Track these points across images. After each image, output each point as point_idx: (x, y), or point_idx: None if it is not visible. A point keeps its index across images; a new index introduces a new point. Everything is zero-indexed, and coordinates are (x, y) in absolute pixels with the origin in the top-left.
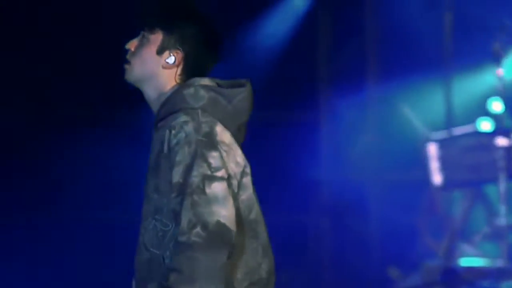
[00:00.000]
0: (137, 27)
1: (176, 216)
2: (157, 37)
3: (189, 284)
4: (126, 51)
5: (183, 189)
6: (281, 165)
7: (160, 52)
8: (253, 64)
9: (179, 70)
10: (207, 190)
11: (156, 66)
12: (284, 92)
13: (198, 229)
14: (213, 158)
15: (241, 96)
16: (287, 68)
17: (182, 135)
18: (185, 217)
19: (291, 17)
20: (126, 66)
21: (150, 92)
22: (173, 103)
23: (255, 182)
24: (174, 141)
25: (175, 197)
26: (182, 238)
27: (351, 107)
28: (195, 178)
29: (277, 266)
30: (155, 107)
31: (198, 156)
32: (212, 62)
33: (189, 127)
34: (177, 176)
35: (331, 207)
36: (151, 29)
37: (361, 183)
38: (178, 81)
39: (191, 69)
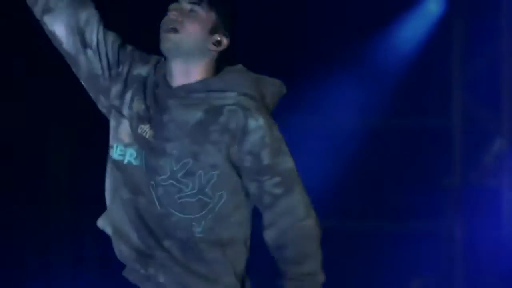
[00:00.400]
0: None
1: (274, 200)
2: (210, 17)
3: (321, 262)
4: (162, 16)
5: (283, 173)
6: (414, 171)
7: (212, 31)
8: (386, 69)
9: (217, 55)
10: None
11: (205, 44)
12: (417, 97)
13: (312, 211)
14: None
15: (275, 98)
16: (420, 73)
17: (262, 119)
18: (301, 203)
19: (426, 22)
20: (170, 35)
21: (185, 66)
22: (231, 82)
23: (389, 188)
24: (253, 124)
25: (268, 179)
26: (306, 223)
27: (485, 111)
28: (292, 164)
29: (411, 273)
30: (183, 79)
31: (283, 142)
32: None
33: (264, 113)
34: (268, 158)
35: (464, 212)
36: (209, 7)
37: (495, 187)
38: (215, 64)
39: (225, 58)
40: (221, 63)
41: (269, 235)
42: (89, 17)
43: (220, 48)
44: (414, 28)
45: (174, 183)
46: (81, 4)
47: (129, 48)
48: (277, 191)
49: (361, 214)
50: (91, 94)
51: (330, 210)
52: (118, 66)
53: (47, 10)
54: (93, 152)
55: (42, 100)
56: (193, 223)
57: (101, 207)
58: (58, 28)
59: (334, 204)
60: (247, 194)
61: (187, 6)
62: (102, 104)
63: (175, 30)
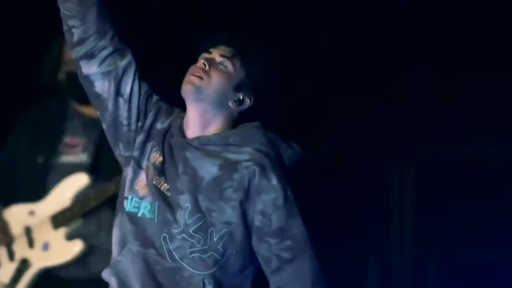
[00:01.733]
0: (217, 46)
1: (282, 264)
2: (238, 74)
3: None
4: (194, 60)
5: (294, 237)
6: None
7: (237, 89)
8: None
9: (236, 114)
10: None
11: (225, 99)
12: None
13: (322, 279)
14: None
15: (293, 161)
16: None
17: (276, 179)
18: (310, 270)
19: None
20: (194, 79)
21: (203, 116)
22: (248, 138)
23: None
24: (265, 184)
25: (279, 242)
26: None
27: None
28: (304, 228)
29: None
30: (199, 130)
31: (296, 205)
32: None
33: (278, 173)
34: (280, 221)
35: None
36: (240, 64)
37: None
38: (232, 122)
39: (246, 119)
40: (240, 122)
41: None
42: (128, 66)
43: (241, 107)
44: None
45: (186, 237)
46: (122, 52)
47: (155, 98)
48: (286, 255)
49: None
50: (109, 140)
51: None
52: (145, 118)
53: (89, 55)
54: None
55: None
56: (205, 280)
57: None
58: (94, 72)
59: None
60: (253, 254)
61: (219, 59)
62: (120, 152)
63: (199, 77)
